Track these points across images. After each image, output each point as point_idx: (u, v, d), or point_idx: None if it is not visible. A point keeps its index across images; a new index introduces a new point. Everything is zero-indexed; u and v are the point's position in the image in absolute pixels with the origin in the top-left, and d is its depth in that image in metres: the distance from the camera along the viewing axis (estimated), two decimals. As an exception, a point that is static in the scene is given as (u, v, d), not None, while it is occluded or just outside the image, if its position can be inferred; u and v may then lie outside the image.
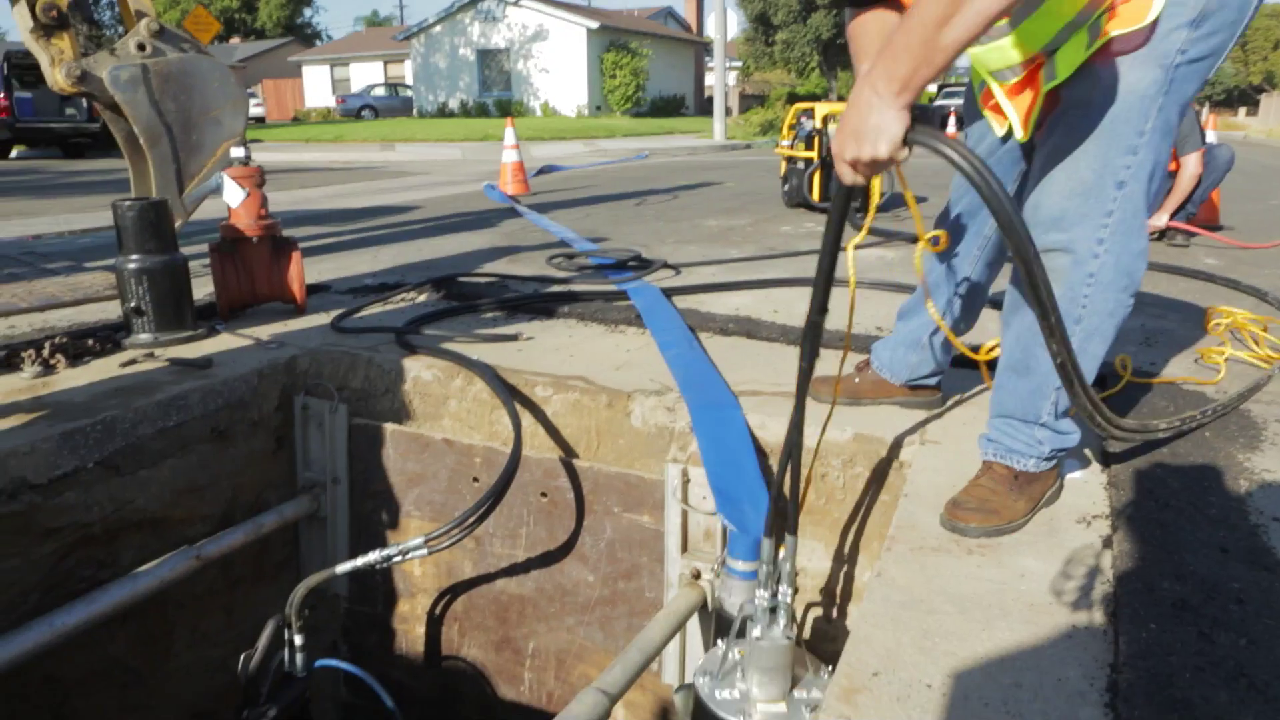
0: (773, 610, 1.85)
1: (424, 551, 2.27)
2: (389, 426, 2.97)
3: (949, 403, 2.60)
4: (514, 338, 3.25)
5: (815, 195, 7.03)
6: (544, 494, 2.74)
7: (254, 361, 3.04)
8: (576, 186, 9.95)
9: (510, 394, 2.72)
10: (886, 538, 1.92)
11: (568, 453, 2.76)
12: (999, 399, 2.04)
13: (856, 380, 2.57)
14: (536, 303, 3.73)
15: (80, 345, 3.17)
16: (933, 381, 2.51)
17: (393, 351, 3.08)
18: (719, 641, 2.13)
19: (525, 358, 3.02)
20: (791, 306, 3.77)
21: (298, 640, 2.41)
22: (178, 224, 3.97)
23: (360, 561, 2.32)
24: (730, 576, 2.27)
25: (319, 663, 2.49)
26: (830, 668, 1.92)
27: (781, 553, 1.84)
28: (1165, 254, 5.11)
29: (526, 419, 2.76)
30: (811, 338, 1.77)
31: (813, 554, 2.49)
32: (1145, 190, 1.82)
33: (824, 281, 1.73)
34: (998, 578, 1.75)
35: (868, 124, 1.49)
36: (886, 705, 1.40)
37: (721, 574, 2.30)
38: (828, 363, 2.96)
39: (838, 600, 2.45)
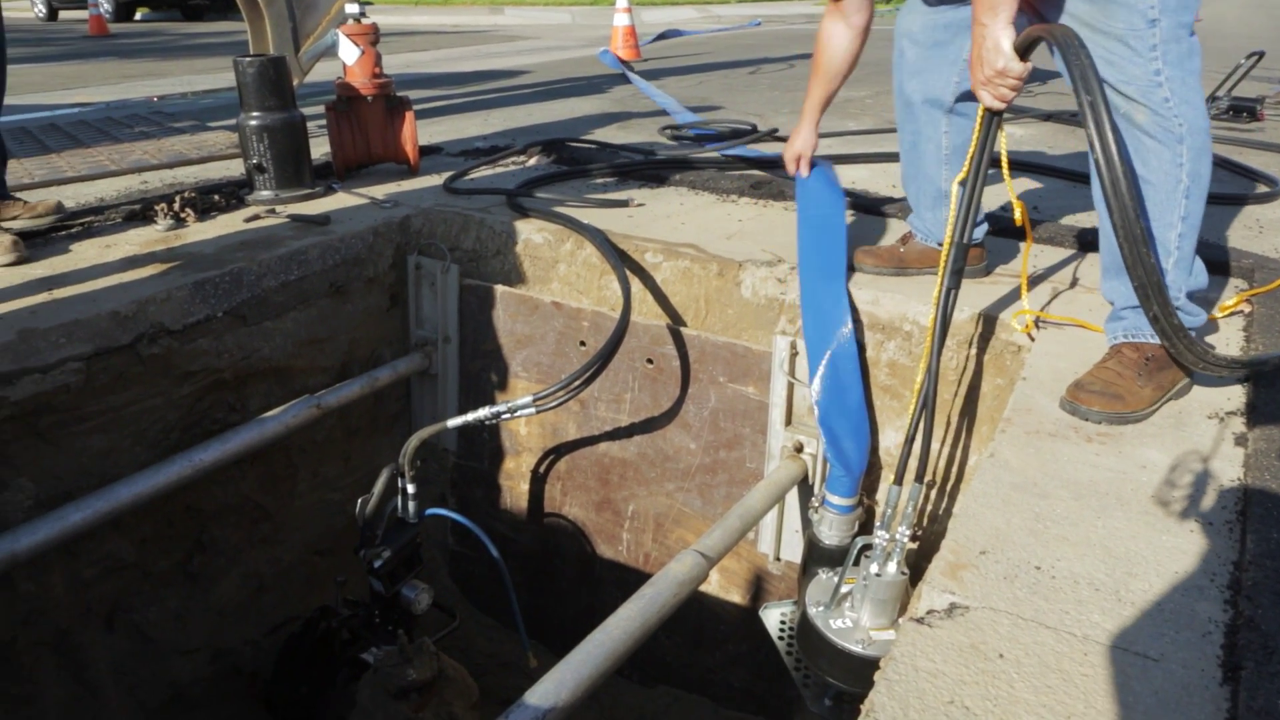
0: (891, 548, 1.88)
1: (532, 410, 2.32)
2: (499, 288, 3.01)
3: (1071, 286, 2.48)
4: (625, 204, 3.22)
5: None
6: (650, 360, 2.76)
7: (369, 220, 3.10)
8: (689, 53, 9.62)
9: (620, 259, 2.71)
10: (1001, 420, 1.87)
11: (675, 320, 2.75)
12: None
13: (902, 250, 2.54)
14: (647, 169, 3.67)
15: (207, 200, 3.29)
16: (976, 236, 2.49)
17: (504, 213, 3.09)
18: (821, 572, 2.20)
19: (635, 224, 2.99)
20: (911, 182, 3.60)
21: (410, 489, 2.51)
22: (295, 83, 4.01)
23: (471, 417, 2.39)
24: (828, 510, 2.34)
25: (429, 511, 2.60)
26: None
27: (904, 498, 1.87)
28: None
29: (635, 285, 2.75)
30: (955, 257, 1.83)
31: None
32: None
33: (969, 204, 1.82)
34: (1117, 466, 1.69)
35: (984, 47, 1.73)
36: (993, 583, 1.39)
37: (820, 509, 2.37)
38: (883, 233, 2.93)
39: (943, 482, 2.42)
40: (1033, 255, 2.70)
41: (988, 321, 2.30)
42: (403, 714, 2.25)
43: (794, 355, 2.45)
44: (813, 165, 2.58)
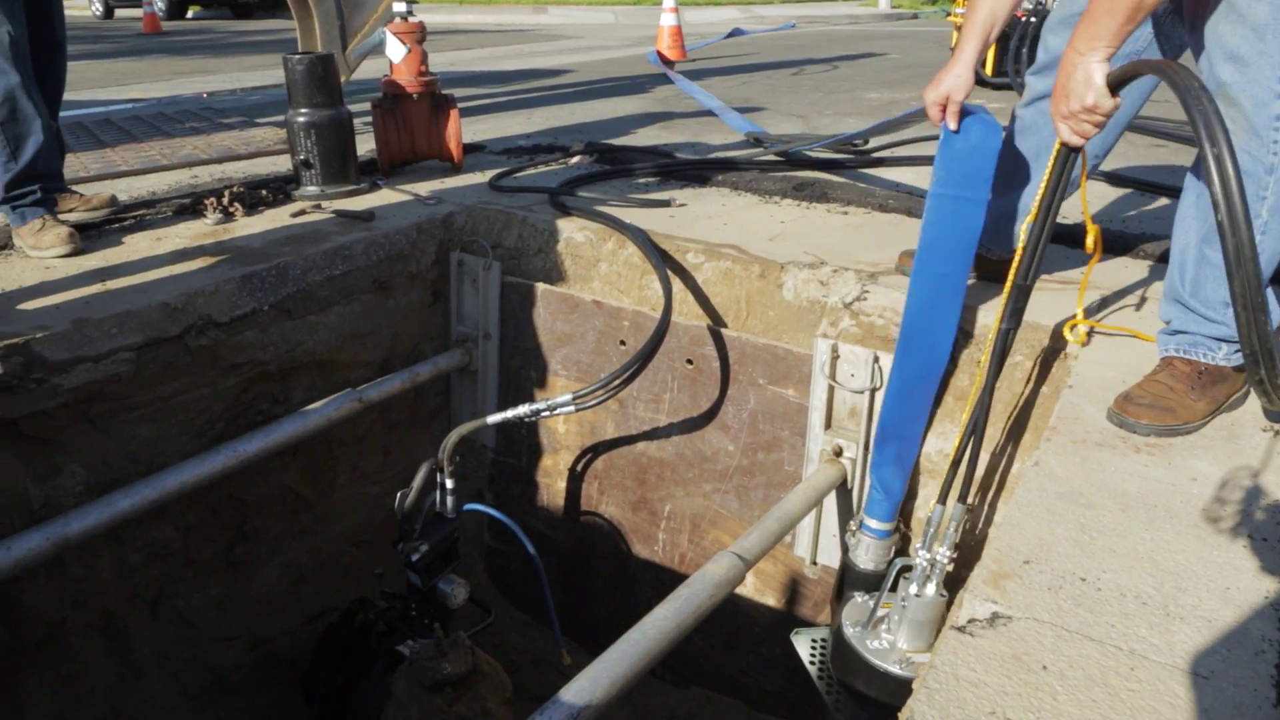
0: (930, 570, 1.86)
1: (571, 408, 2.33)
2: (540, 286, 3.03)
3: (1125, 293, 2.43)
4: (667, 204, 3.22)
5: (988, 69, 6.52)
6: (689, 361, 2.75)
7: (413, 216, 3.13)
8: (733, 54, 9.60)
9: (662, 259, 2.71)
10: (1047, 428, 1.84)
11: (715, 321, 2.75)
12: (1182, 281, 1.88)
13: None
14: (690, 169, 3.66)
15: (255, 195, 3.34)
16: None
17: (546, 212, 3.10)
18: (857, 595, 2.18)
19: (677, 224, 2.99)
20: (956, 185, 3.56)
21: (449, 484, 2.53)
22: (342, 80, 4.06)
23: (510, 413, 2.40)
24: (865, 534, 2.31)
25: (467, 506, 2.61)
26: None
27: (948, 517, 1.85)
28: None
29: (676, 285, 2.75)
30: (1016, 298, 1.79)
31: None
32: None
33: (1036, 244, 1.77)
34: (1166, 478, 1.65)
35: (1075, 79, 1.61)
36: (1036, 594, 1.37)
37: (858, 532, 2.33)
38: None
39: (984, 490, 2.39)
40: (1079, 262, 2.65)
41: (1034, 329, 2.26)
42: (437, 707, 2.26)
43: (835, 358, 2.43)
44: (965, 114, 1.98)
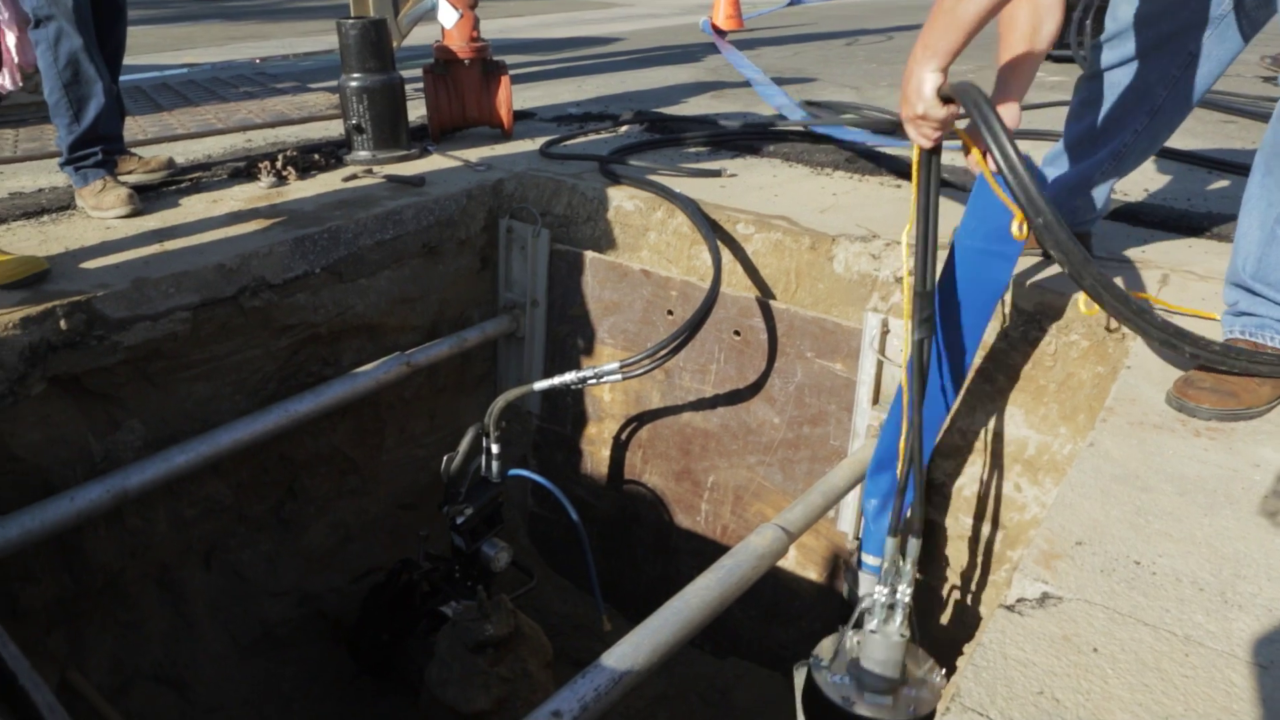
0: (891, 607, 1.76)
1: (618, 376, 2.33)
2: (589, 254, 3.03)
3: (1189, 273, 2.36)
4: (717, 174, 3.19)
5: (1050, 40, 6.33)
6: (737, 332, 2.74)
7: (463, 182, 3.13)
8: (788, 24, 9.46)
9: (711, 229, 2.69)
10: (1103, 409, 1.80)
11: (764, 293, 2.72)
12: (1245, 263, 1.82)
13: None
14: (741, 140, 3.62)
15: (308, 159, 3.37)
16: (1088, 228, 2.36)
17: (596, 180, 3.09)
18: (840, 628, 2.06)
19: (728, 194, 2.96)
20: (1014, 159, 3.48)
21: (494, 449, 2.55)
22: (394, 45, 4.07)
23: (557, 380, 2.41)
24: (865, 572, 2.22)
25: (511, 472, 2.64)
26: (944, 670, 1.85)
27: (905, 553, 1.77)
28: None
29: (725, 256, 2.73)
30: (920, 306, 1.75)
31: (1010, 420, 2.38)
32: None
33: (925, 248, 1.74)
34: (1227, 464, 1.61)
35: (910, 85, 1.66)
36: (1089, 575, 1.34)
37: (859, 570, 2.25)
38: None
39: (1034, 470, 2.35)
40: (1140, 241, 2.58)
41: (1089, 306, 2.20)
42: (479, 667, 2.30)
43: (885, 333, 2.40)
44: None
